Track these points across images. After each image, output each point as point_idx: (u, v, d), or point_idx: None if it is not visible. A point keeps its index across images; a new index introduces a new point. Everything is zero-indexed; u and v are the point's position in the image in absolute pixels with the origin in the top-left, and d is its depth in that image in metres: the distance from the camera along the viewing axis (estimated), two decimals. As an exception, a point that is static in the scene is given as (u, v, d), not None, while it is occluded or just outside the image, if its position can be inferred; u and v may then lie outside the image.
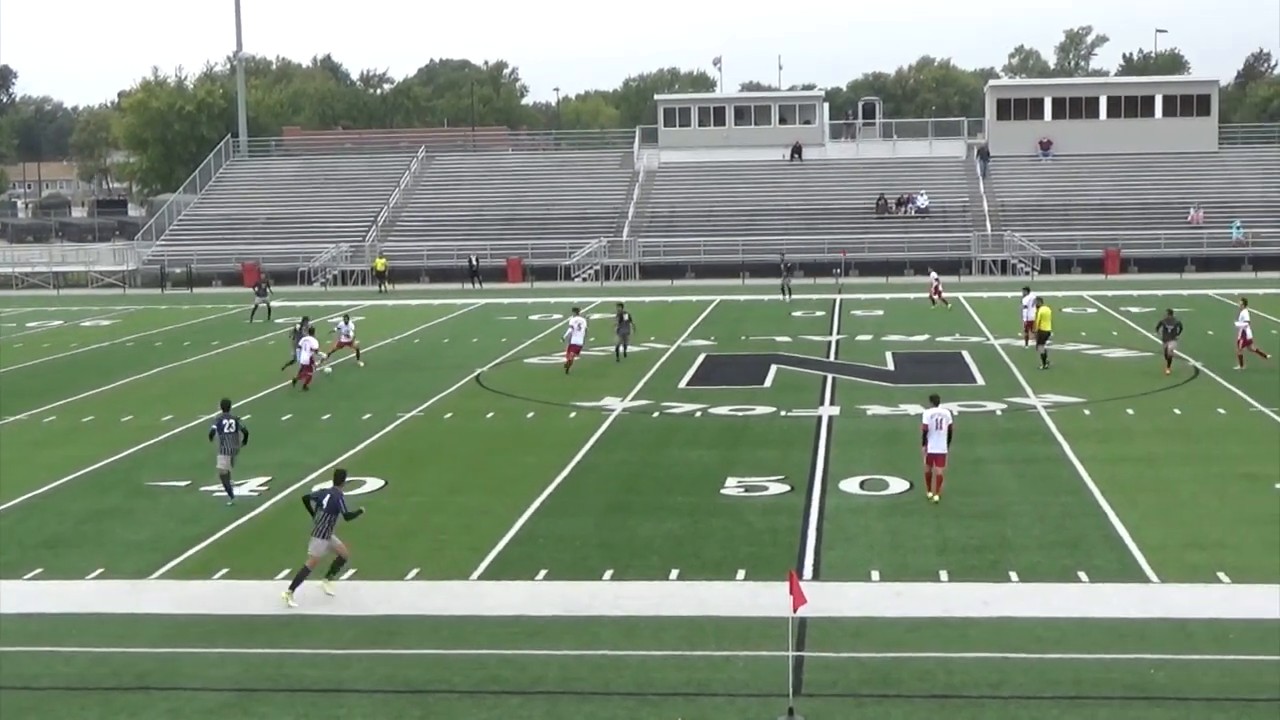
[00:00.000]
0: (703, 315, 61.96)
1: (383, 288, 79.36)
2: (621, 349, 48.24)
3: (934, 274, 66.33)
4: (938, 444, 27.03)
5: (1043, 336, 44.85)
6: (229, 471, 28.49)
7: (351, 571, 23.07)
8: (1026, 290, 50.96)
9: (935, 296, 63.74)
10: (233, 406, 30.16)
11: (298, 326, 45.15)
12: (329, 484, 22.67)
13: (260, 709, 17.47)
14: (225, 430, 28.44)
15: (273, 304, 65.10)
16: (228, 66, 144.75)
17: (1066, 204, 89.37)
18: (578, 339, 45.26)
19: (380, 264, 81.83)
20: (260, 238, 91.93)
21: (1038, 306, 45.81)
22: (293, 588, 21.63)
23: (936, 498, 27.03)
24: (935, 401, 27.84)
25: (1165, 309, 44.77)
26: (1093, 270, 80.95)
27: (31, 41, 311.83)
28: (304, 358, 42.69)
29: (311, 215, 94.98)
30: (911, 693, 17.55)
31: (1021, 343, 49.14)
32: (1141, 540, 24.06)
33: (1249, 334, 43.41)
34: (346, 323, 48.21)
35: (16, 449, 34.55)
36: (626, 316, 48.91)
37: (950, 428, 27.28)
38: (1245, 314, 44.17)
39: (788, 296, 68.58)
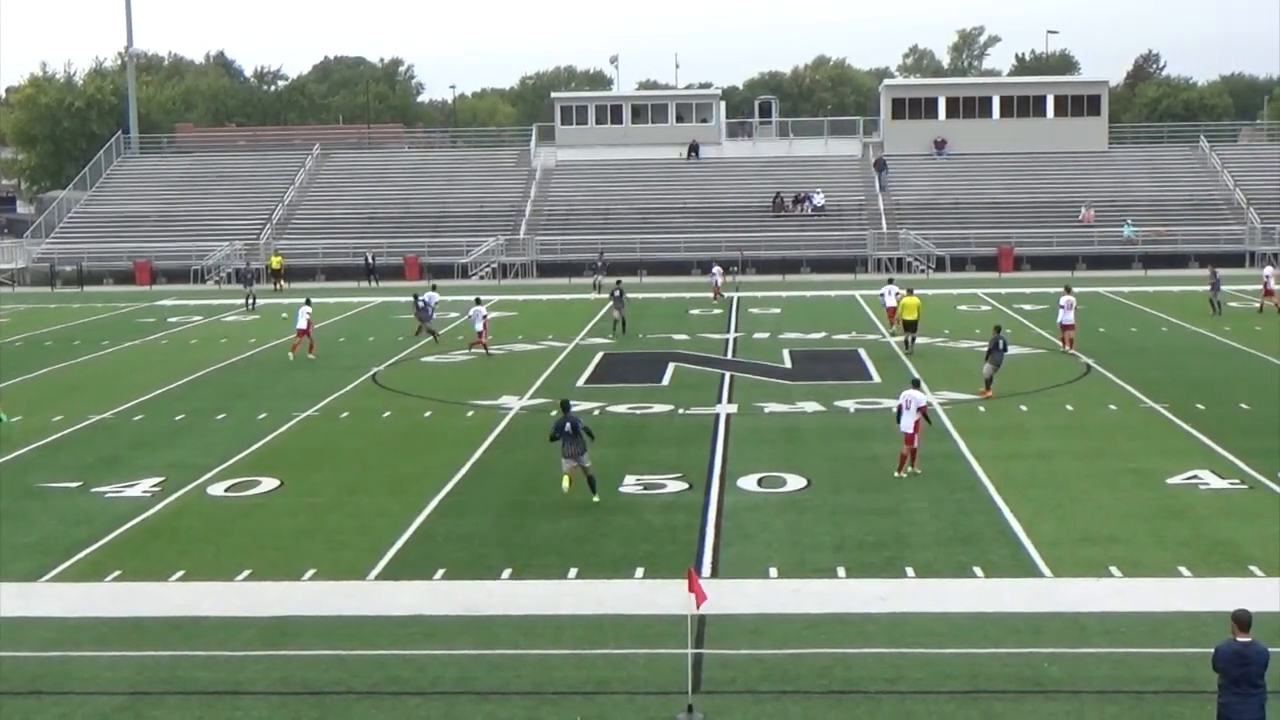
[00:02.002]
0: (600, 313, 61.92)
1: (278, 286, 78.51)
2: (619, 323, 53.89)
3: (716, 269, 70.45)
4: (907, 423, 28.73)
5: (909, 325, 47.44)
6: None
7: (247, 573, 22.90)
8: (890, 280, 54.30)
9: (716, 294, 67.89)
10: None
11: (416, 297, 53.10)
12: (563, 415, 27.39)
13: (154, 713, 17.26)
14: None
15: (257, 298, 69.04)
16: (118, 62, 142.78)
17: (961, 202, 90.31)
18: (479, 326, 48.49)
19: (276, 262, 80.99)
20: (152, 235, 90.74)
21: (907, 295, 48.40)
22: (594, 491, 27.02)
23: (904, 472, 28.92)
24: (916, 385, 29.94)
25: (993, 326, 41.89)
26: (987, 268, 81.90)
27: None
28: (478, 326, 48.26)
29: (205, 213, 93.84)
30: (810, 689, 17.64)
31: (887, 333, 52.01)
32: (1035, 536, 24.35)
33: (1068, 319, 46.77)
34: (307, 305, 50.14)
35: (-98, 451, 33.90)
36: (619, 293, 54.62)
37: (923, 409, 28.93)
38: (1066, 299, 47.17)
39: (598, 292, 69.56)
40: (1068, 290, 48.32)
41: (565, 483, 27.03)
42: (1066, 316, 46.83)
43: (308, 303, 50.83)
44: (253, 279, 71.70)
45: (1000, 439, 32.84)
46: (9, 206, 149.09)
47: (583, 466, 27.07)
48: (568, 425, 27.04)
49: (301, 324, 48.82)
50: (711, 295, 67.77)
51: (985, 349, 39.42)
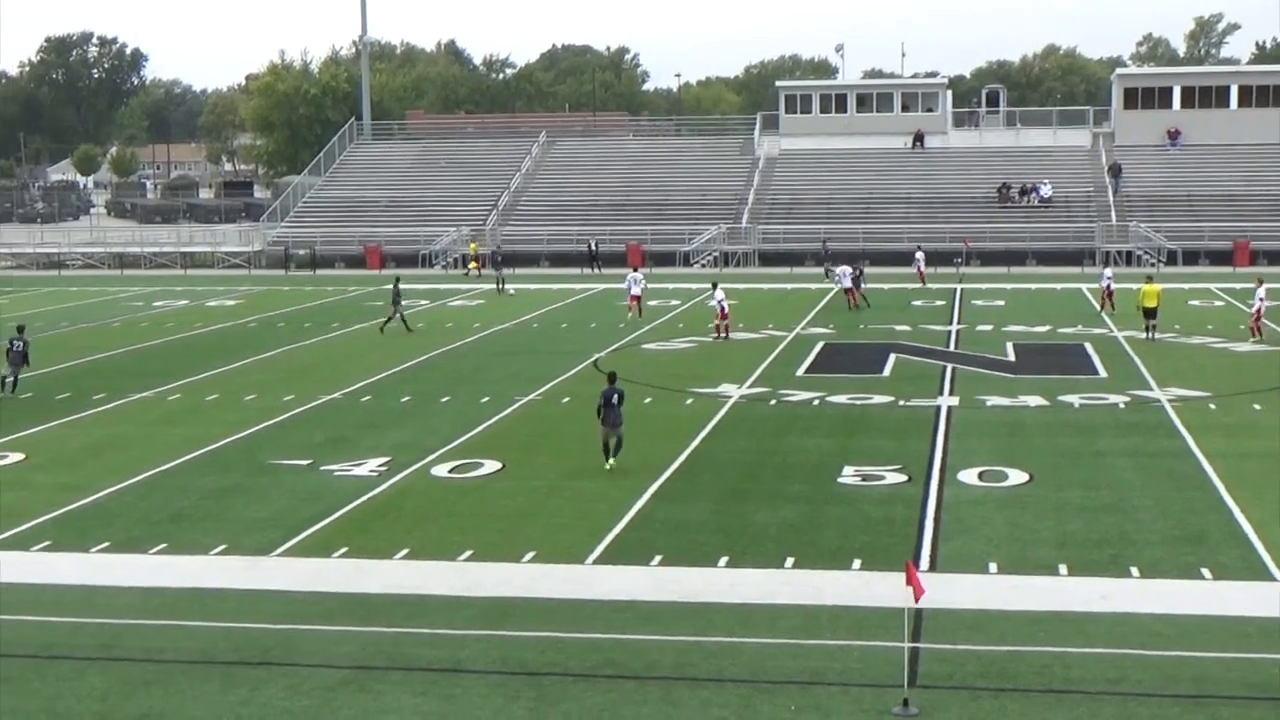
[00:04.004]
0: (822, 303, 61.66)
1: (469, 271, 78.51)
2: (861, 299, 58.76)
3: (919, 254, 71.34)
4: None
5: (1149, 313, 47.81)
6: (11, 375, 38.36)
7: (468, 553, 23.28)
8: (1106, 263, 57.51)
9: (921, 280, 69.39)
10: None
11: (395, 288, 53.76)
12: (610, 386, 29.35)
13: (378, 687, 17.64)
14: (14, 349, 38.32)
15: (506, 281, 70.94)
16: (352, 51, 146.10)
17: (1194, 194, 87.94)
18: (635, 290, 54.66)
19: (473, 248, 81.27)
20: (383, 220, 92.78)
21: (1147, 282, 48.99)
22: (607, 458, 29.21)
23: None
24: None
25: None
26: (1221, 262, 79.58)
27: (162, 25, 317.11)
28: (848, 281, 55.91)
29: (433, 199, 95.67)
30: (1028, 687, 17.36)
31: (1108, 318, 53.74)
32: (1268, 538, 23.61)
33: (1262, 310, 47.95)
34: (716, 289, 52.15)
35: (142, 426, 35.16)
36: (859, 274, 59.62)
37: None
38: (1260, 291, 48.64)
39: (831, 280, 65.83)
40: (1260, 282, 49.21)
41: (612, 440, 29.44)
42: (1262, 306, 47.69)
43: (636, 269, 59.82)
44: (501, 263, 73.05)
45: (1232, 437, 31.91)
46: (247, 191, 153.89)
47: (618, 435, 29.32)
48: (614, 396, 29.07)
49: (636, 291, 55.27)
50: (918, 283, 68.25)
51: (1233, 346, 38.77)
